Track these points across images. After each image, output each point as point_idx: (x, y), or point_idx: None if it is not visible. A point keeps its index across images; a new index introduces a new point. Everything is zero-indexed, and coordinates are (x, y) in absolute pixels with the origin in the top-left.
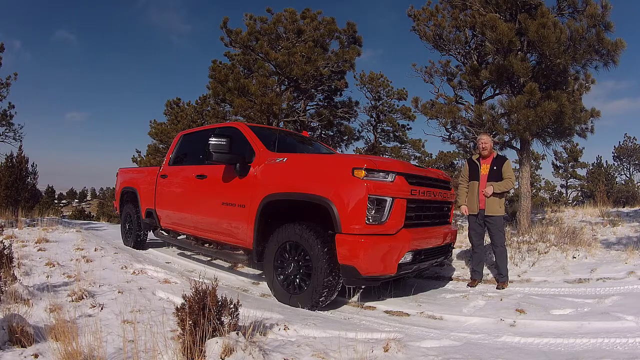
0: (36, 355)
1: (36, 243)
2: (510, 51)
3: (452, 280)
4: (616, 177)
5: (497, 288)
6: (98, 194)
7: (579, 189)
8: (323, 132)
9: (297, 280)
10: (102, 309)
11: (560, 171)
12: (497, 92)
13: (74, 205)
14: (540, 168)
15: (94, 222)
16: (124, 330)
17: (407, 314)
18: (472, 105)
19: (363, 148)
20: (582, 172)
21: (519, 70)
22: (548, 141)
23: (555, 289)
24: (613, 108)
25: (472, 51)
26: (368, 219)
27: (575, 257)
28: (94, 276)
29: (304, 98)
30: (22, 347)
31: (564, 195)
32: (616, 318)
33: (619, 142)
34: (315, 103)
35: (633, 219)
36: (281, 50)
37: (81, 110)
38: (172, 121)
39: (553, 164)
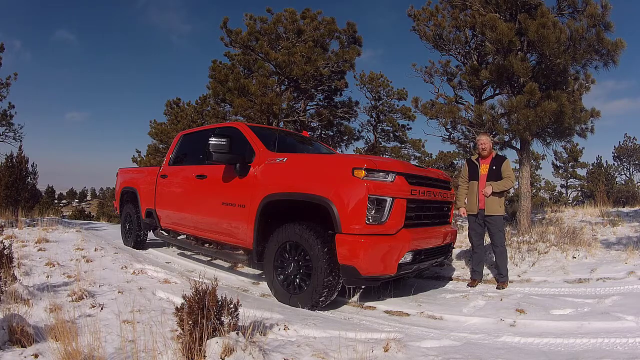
0: (36, 355)
1: (36, 243)
2: (510, 51)
3: (452, 280)
4: (616, 177)
5: (497, 288)
6: (98, 194)
7: (579, 189)
8: (323, 132)
9: (297, 280)
10: (102, 309)
11: (560, 171)
12: (497, 92)
13: (74, 205)
14: (540, 168)
15: (94, 222)
16: (123, 330)
17: (407, 314)
18: (472, 105)
19: (363, 148)
20: (582, 172)
21: (519, 70)
22: (548, 141)
23: (555, 289)
24: (613, 108)
25: (472, 51)
26: (368, 219)
27: (575, 257)
28: (94, 276)
29: (304, 98)
30: (22, 347)
31: (564, 195)
32: (616, 318)
33: (619, 142)
34: (315, 103)
35: (633, 219)
36: (281, 50)
37: (81, 110)
38: (172, 121)
39: (553, 164)
